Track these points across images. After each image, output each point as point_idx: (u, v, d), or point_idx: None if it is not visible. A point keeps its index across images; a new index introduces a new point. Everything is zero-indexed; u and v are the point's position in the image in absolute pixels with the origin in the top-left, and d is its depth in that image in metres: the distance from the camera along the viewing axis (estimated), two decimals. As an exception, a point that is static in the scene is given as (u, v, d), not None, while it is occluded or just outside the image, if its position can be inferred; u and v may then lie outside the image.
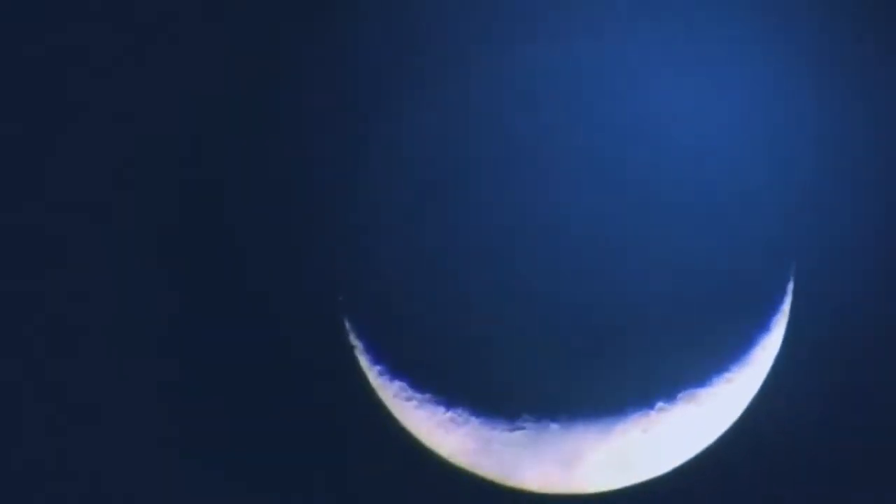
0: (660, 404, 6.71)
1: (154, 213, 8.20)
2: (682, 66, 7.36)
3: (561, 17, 7.40)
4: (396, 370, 7.00)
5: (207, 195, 8.18)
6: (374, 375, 7.20)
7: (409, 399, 6.99)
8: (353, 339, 7.29)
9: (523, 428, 6.74)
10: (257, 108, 8.19)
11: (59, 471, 8.13)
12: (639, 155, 6.77)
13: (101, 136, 8.18)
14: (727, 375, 6.89)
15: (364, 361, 7.25)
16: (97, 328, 8.15)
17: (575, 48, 7.25)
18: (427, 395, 6.89)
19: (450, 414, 6.85)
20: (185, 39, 8.16)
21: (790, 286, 7.37)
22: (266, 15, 8.20)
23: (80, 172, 8.18)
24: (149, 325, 8.14)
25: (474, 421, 6.81)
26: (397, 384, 7.01)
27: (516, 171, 6.73)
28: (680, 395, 6.74)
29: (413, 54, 7.87)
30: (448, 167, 6.87)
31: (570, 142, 6.78)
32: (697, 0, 7.93)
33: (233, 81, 8.20)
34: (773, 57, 8.06)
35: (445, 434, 6.97)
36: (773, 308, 7.18)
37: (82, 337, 8.15)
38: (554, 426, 6.70)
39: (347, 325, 7.31)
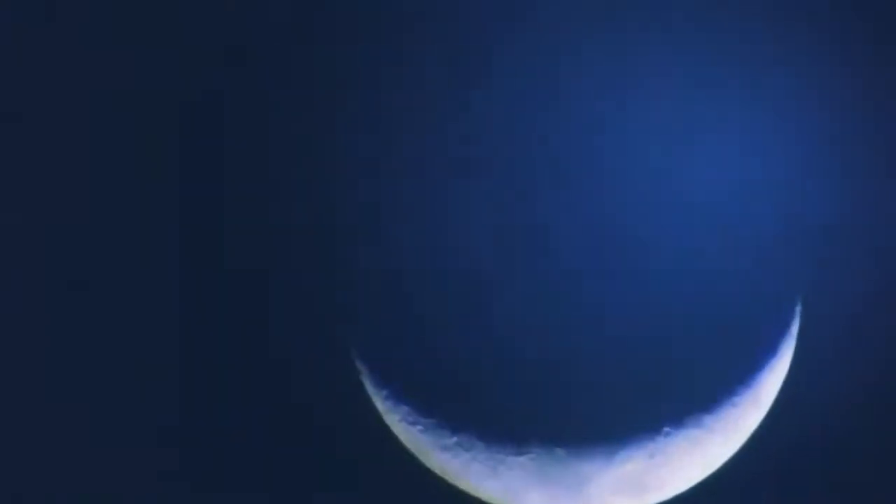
0: (666, 429, 6.69)
1: (152, 225, 8.20)
2: (687, 79, 7.33)
3: (570, 24, 7.36)
4: (403, 395, 6.99)
5: (209, 219, 8.19)
6: (380, 400, 7.19)
7: (415, 423, 6.98)
8: (360, 364, 7.29)
9: (530, 453, 6.73)
10: (260, 112, 8.18)
11: (53, 492, 8.14)
12: (642, 177, 6.76)
13: (101, 138, 8.21)
14: (734, 399, 6.86)
15: (370, 386, 7.25)
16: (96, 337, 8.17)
17: (588, 62, 7.23)
18: (434, 420, 6.88)
19: (456, 439, 6.84)
20: (186, 39, 8.16)
21: (798, 309, 7.35)
22: (266, 20, 8.21)
23: (78, 180, 8.20)
24: (149, 351, 8.16)
25: (481, 445, 6.79)
26: (404, 409, 7.00)
27: (519, 196, 6.73)
28: (686, 420, 6.72)
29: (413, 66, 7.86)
30: (450, 191, 6.87)
31: (573, 161, 6.77)
32: (707, 13, 7.90)
33: (234, 96, 8.20)
34: (784, 74, 8.03)
35: (452, 459, 6.96)
36: (781, 331, 7.15)
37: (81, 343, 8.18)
38: (560, 451, 6.69)
39: (354, 349, 7.31)
